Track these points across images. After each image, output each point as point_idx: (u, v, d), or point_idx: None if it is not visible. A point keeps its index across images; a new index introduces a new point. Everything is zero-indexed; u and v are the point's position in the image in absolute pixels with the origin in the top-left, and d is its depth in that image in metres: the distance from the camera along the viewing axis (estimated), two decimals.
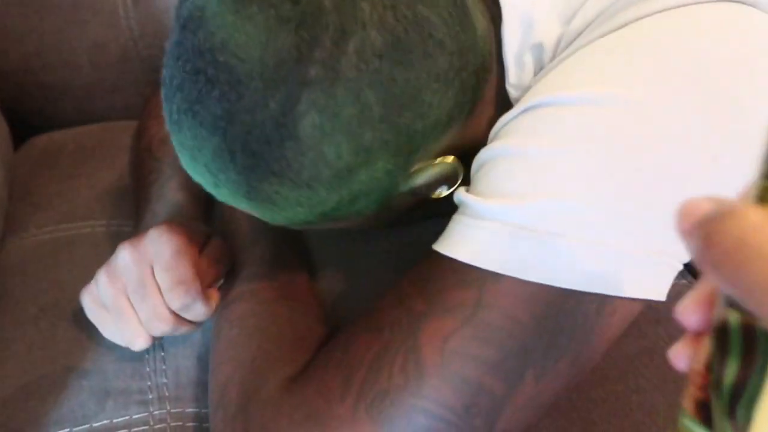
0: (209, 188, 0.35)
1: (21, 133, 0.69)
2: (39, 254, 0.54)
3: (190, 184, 0.51)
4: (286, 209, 0.34)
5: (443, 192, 0.39)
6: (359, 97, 0.31)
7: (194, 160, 0.34)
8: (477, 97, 0.36)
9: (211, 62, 0.31)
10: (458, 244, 0.34)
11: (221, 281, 0.45)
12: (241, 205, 0.35)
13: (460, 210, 0.36)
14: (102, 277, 0.42)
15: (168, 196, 0.52)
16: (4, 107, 0.68)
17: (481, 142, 0.39)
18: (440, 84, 0.33)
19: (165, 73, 0.34)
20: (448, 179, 0.38)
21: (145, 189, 0.55)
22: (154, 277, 0.41)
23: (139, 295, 0.40)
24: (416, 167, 0.36)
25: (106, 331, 0.43)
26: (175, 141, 0.34)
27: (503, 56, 0.38)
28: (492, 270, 0.33)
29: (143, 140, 0.60)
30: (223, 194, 0.35)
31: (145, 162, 0.57)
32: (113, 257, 0.42)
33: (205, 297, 0.42)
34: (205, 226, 0.47)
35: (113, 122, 0.72)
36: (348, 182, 0.33)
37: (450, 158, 0.37)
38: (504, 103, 0.40)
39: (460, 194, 0.36)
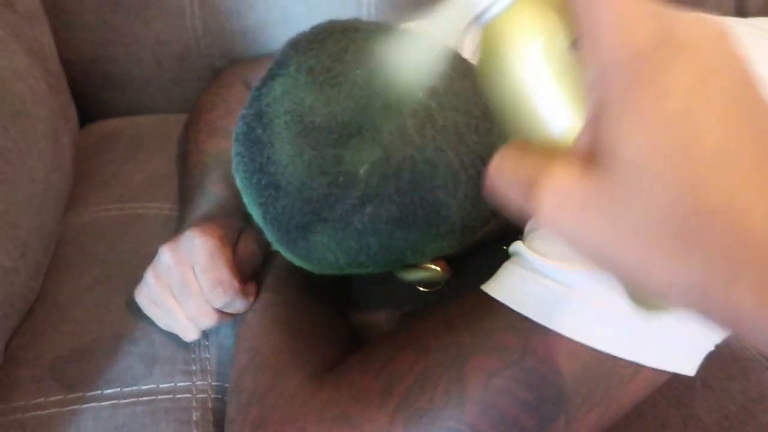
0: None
1: (80, 119, 0.73)
2: (95, 230, 0.58)
3: (229, 178, 0.54)
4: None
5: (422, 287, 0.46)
6: (362, 239, 0.37)
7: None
8: (474, 237, 0.41)
9: (264, 167, 0.38)
10: (511, 292, 0.37)
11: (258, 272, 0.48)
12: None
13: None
14: (150, 278, 0.45)
15: (208, 188, 0.55)
16: None
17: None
18: (438, 241, 0.39)
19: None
20: (432, 283, 0.43)
21: (189, 179, 0.58)
22: (195, 277, 0.44)
23: (184, 295, 0.44)
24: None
25: (160, 324, 0.46)
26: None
27: None
28: (541, 323, 0.35)
29: (191, 132, 0.63)
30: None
31: (191, 153, 0.61)
32: (156, 258, 0.45)
33: (244, 292, 0.44)
34: (240, 221, 0.50)
35: (169, 114, 0.76)
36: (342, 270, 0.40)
37: (440, 267, 0.42)
38: None
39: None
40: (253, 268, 0.47)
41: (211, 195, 0.54)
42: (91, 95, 0.74)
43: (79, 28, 0.70)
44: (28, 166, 0.48)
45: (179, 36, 0.73)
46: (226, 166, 0.55)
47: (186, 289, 0.43)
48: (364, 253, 0.38)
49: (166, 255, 0.44)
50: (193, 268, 0.44)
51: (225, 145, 0.59)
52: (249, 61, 0.73)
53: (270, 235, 0.40)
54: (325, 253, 0.38)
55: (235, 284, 0.44)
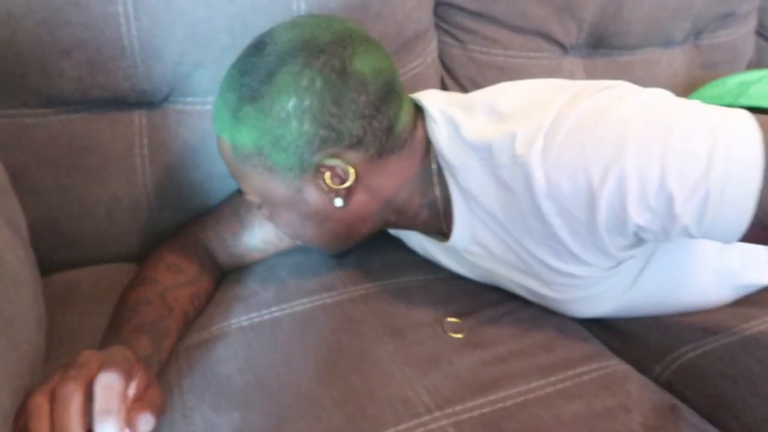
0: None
1: None
2: None
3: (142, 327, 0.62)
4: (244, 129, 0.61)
5: (338, 202, 0.63)
6: (313, 81, 0.59)
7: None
8: (385, 148, 0.62)
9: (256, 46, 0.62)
10: None
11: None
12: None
13: None
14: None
15: (122, 336, 0.61)
16: None
17: (405, 203, 0.67)
18: (356, 111, 0.60)
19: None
20: (341, 191, 0.62)
21: (108, 329, 0.64)
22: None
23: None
24: (325, 157, 0.60)
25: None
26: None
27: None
28: None
29: (128, 293, 0.69)
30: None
31: (118, 308, 0.67)
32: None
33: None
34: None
35: (120, 264, 0.82)
36: (284, 125, 0.59)
37: (352, 171, 0.61)
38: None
39: None
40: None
41: (124, 342, 0.59)
42: (45, 251, 0.78)
43: (36, 194, 0.76)
44: (26, 330, 0.52)
45: (131, 193, 0.80)
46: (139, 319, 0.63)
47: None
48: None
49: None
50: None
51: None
52: (201, 222, 0.81)
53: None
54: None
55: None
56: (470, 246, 0.68)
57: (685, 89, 1.15)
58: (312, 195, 0.64)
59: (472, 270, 0.76)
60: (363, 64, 0.60)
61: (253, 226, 0.79)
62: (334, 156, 0.61)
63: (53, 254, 0.79)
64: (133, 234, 0.82)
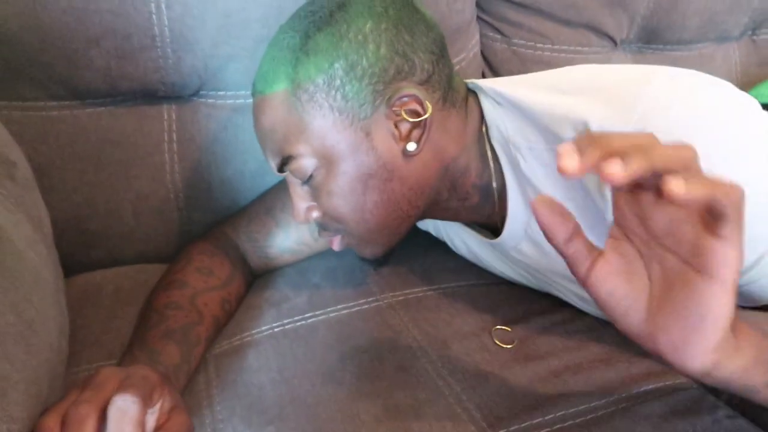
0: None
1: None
2: None
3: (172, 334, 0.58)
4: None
5: (411, 146, 0.57)
6: (387, 7, 0.57)
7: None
8: (447, 97, 0.59)
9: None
10: None
11: None
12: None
13: None
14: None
15: (149, 343, 0.57)
16: None
17: (461, 176, 0.61)
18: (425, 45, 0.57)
19: None
20: (414, 133, 0.57)
21: (135, 334, 0.61)
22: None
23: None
24: (393, 91, 0.56)
25: None
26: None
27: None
28: None
29: (155, 296, 0.65)
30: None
31: (145, 312, 0.64)
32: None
33: None
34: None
35: (148, 264, 0.78)
36: (361, 48, 0.55)
37: (429, 104, 0.56)
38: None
39: None
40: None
41: (149, 349, 0.57)
42: (69, 250, 0.75)
43: (61, 190, 0.72)
44: (46, 333, 0.48)
45: (158, 190, 0.77)
46: (169, 323, 0.60)
47: None
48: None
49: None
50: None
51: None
52: (232, 222, 0.77)
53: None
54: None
55: None
56: (522, 243, 0.63)
57: (741, 87, 1.08)
58: (382, 140, 0.57)
59: (521, 273, 0.71)
60: (425, 9, 0.61)
61: (289, 226, 0.75)
62: (408, 88, 0.56)
63: (78, 254, 0.76)
64: (161, 234, 0.79)
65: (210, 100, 0.77)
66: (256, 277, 0.77)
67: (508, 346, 0.63)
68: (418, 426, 0.53)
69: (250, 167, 0.78)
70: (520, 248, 0.64)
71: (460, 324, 0.67)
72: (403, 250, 0.79)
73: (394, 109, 0.56)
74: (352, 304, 0.70)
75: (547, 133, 0.55)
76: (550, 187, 0.57)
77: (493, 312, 0.69)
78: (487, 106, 0.61)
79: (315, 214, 0.62)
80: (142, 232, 0.78)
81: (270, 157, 0.61)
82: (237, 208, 0.80)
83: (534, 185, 0.58)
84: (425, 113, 0.57)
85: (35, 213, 0.59)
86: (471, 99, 0.63)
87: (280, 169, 0.59)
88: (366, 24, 0.56)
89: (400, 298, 0.72)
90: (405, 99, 0.56)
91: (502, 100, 0.60)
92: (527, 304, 0.71)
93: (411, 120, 0.57)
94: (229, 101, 0.77)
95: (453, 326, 0.66)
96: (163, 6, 0.69)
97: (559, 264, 0.61)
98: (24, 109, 0.70)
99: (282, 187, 0.75)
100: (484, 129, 0.62)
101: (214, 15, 0.71)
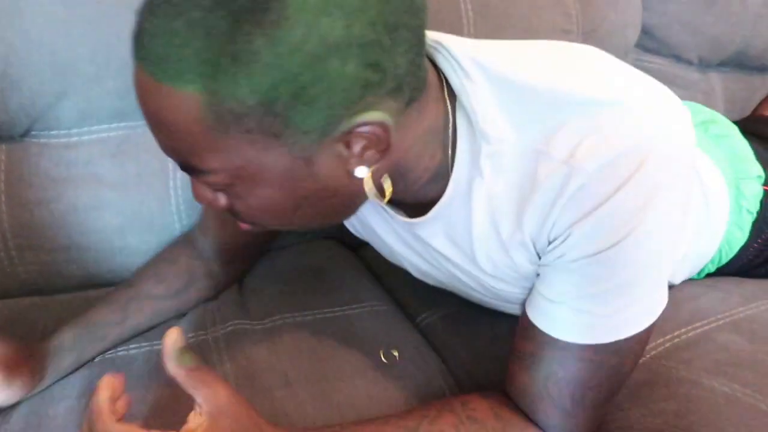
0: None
1: None
2: None
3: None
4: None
5: (361, 171, 0.46)
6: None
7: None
8: (413, 96, 0.46)
9: None
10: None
11: None
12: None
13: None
14: None
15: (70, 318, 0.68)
16: None
17: (413, 165, 0.51)
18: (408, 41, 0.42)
19: None
20: (367, 156, 0.45)
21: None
22: None
23: None
24: (362, 110, 0.42)
25: None
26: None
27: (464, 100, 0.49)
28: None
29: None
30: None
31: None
32: None
33: None
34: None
35: None
36: (319, 66, 0.39)
37: (391, 123, 0.44)
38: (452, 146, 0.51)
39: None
40: None
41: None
42: None
43: None
44: None
45: None
46: None
47: None
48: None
49: None
50: None
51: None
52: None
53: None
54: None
55: None
56: (439, 235, 0.57)
57: None
58: (326, 166, 0.46)
59: (419, 254, 0.64)
60: None
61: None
62: (371, 107, 0.43)
63: None
64: None
65: (42, 140, 0.78)
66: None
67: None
68: None
69: (83, 201, 0.79)
70: (428, 236, 0.58)
71: None
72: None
73: (346, 136, 0.44)
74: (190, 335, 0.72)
75: (528, 122, 0.49)
76: (498, 190, 0.51)
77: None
78: (459, 80, 0.50)
79: (221, 203, 0.50)
80: None
81: (166, 150, 0.47)
82: (72, 244, 0.80)
83: (486, 180, 0.51)
84: (388, 137, 0.45)
85: None
86: (433, 73, 0.51)
87: (184, 170, 0.47)
88: (334, 28, 0.39)
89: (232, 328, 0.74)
90: (366, 129, 0.44)
91: (479, 80, 0.50)
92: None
93: (367, 140, 0.45)
94: (62, 140, 0.79)
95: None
96: None
97: (460, 256, 0.58)
98: None
99: None
100: (449, 102, 0.52)
101: (39, 53, 0.73)
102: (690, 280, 0.82)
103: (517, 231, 0.52)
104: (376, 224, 0.64)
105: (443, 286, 0.71)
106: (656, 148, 0.47)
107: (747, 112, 1.27)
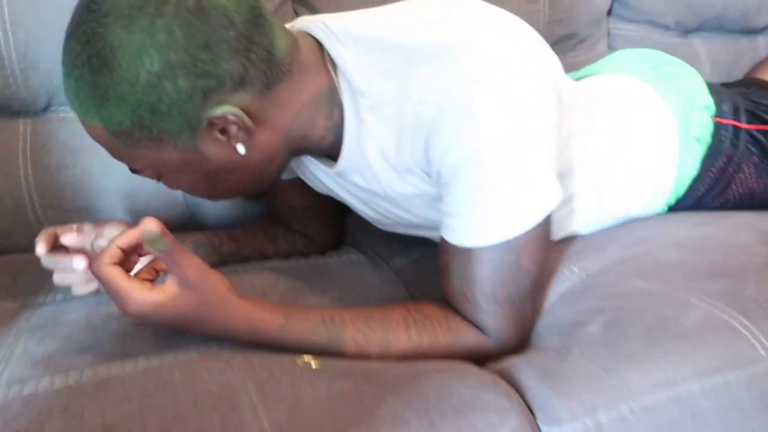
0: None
1: None
2: None
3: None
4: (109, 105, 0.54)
5: (241, 149, 0.59)
6: (171, 31, 0.52)
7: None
8: (272, 79, 0.58)
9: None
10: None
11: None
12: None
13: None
14: None
15: None
16: None
17: (309, 127, 0.63)
18: (229, 49, 0.54)
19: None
20: (241, 137, 0.58)
21: None
22: None
23: None
24: (212, 107, 0.55)
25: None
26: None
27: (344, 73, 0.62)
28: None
29: None
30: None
31: None
32: None
33: None
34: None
35: (7, 255, 0.89)
36: (156, 90, 0.53)
37: (243, 114, 0.57)
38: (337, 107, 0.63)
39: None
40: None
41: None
42: None
43: None
44: None
45: (13, 192, 0.89)
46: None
47: None
48: (172, 49, 0.52)
49: None
50: None
51: None
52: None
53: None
54: (137, 54, 0.52)
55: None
56: (354, 174, 0.69)
57: None
58: (212, 150, 0.59)
59: (360, 199, 0.75)
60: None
61: None
62: (221, 103, 0.56)
63: None
64: (18, 230, 0.90)
65: (61, 114, 0.92)
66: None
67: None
68: None
69: (96, 168, 0.91)
70: (353, 178, 0.69)
71: None
72: None
73: (213, 125, 0.57)
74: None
75: (393, 74, 0.60)
76: (383, 135, 0.63)
77: None
78: (329, 45, 0.62)
79: (168, 186, 0.66)
80: (0, 228, 0.89)
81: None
82: (89, 207, 0.92)
83: (370, 130, 0.63)
84: (244, 121, 0.57)
85: None
86: (307, 47, 0.63)
87: (132, 171, 0.63)
88: (153, 63, 0.52)
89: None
90: (224, 119, 0.57)
91: (344, 38, 0.62)
92: None
93: (233, 135, 0.58)
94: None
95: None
96: (9, 33, 0.85)
97: (379, 189, 0.69)
98: None
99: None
100: (331, 69, 0.63)
101: (53, 36, 0.86)
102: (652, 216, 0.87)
103: (403, 162, 0.64)
104: (327, 181, 0.76)
105: (395, 230, 0.81)
106: (489, 74, 0.57)
107: (736, 75, 1.30)
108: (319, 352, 0.61)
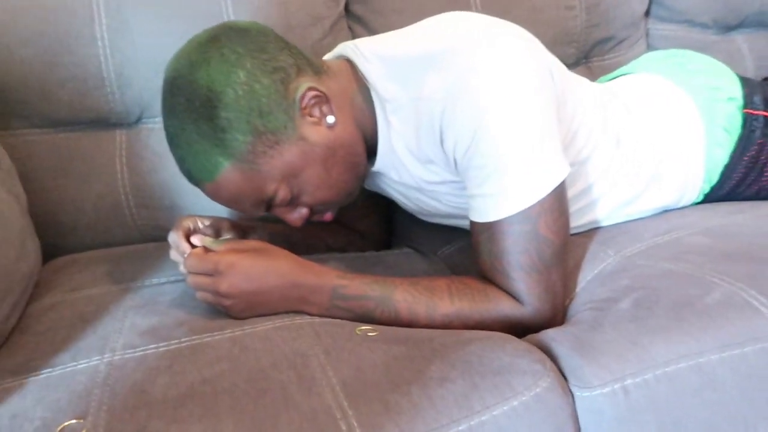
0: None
1: None
2: None
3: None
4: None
5: (330, 119, 0.71)
6: (234, 50, 0.68)
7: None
8: (316, 68, 0.73)
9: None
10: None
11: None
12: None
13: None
14: None
15: None
16: None
17: (351, 103, 0.75)
18: (275, 48, 0.71)
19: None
20: (325, 108, 0.71)
21: None
22: None
23: None
24: (294, 91, 0.69)
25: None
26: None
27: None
28: None
29: None
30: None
31: None
32: None
33: None
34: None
35: (107, 249, 1.02)
36: (253, 94, 0.67)
37: (311, 83, 0.70)
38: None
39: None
40: None
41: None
42: (48, 240, 0.99)
43: (40, 191, 0.98)
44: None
45: (112, 193, 1.02)
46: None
47: None
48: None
49: None
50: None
51: None
52: None
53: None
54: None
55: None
56: (391, 171, 0.80)
57: None
58: (313, 132, 0.71)
59: (401, 193, 0.87)
60: (241, 23, 0.71)
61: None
62: (297, 87, 0.69)
63: (55, 241, 1.00)
64: (117, 225, 1.03)
65: (150, 125, 1.05)
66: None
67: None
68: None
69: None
70: (391, 175, 0.81)
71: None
72: None
73: (304, 108, 0.70)
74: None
75: (408, 81, 0.72)
76: (406, 133, 0.74)
77: None
78: (359, 62, 0.76)
79: (304, 212, 0.77)
80: (102, 224, 1.03)
81: (253, 210, 0.74)
82: (176, 206, 1.04)
83: (396, 130, 0.75)
84: (318, 91, 0.70)
85: (15, 190, 0.85)
86: (338, 63, 0.77)
87: (269, 210, 0.75)
88: (238, 75, 0.66)
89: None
90: (304, 96, 0.69)
91: (370, 56, 0.75)
92: None
93: (316, 103, 0.70)
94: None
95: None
96: (108, 56, 0.98)
97: (411, 181, 0.80)
98: (14, 136, 0.98)
99: None
100: (362, 84, 0.76)
101: (144, 57, 0.99)
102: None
103: (425, 154, 0.74)
104: (379, 181, 0.87)
105: (434, 220, 0.91)
106: (486, 66, 0.67)
107: None
108: (373, 307, 0.71)
